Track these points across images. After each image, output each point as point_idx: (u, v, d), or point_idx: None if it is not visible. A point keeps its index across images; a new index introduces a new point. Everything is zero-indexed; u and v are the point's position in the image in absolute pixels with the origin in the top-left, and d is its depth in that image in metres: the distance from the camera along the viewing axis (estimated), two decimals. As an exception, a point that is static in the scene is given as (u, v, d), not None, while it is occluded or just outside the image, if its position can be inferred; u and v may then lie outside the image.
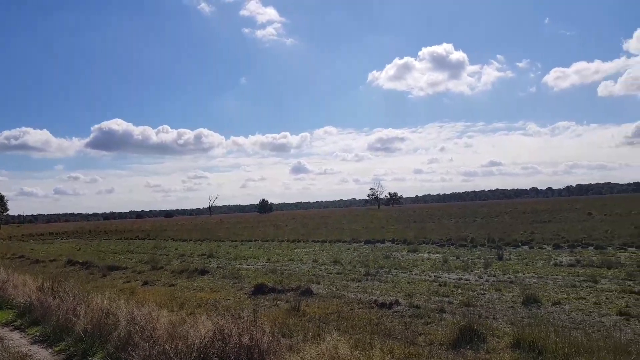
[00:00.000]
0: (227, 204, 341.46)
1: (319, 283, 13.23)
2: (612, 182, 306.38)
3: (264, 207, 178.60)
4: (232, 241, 33.04)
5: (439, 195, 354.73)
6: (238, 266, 18.32)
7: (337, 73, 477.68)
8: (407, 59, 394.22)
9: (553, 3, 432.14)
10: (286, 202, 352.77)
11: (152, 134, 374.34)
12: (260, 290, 12.37)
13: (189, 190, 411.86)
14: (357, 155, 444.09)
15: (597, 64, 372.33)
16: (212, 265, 18.92)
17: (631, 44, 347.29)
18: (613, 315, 8.49)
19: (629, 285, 10.83)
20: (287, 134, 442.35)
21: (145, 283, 15.10)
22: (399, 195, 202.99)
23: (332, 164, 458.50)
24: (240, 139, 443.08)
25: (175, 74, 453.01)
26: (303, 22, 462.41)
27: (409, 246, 22.79)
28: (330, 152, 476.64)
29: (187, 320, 6.62)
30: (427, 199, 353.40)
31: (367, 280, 13.51)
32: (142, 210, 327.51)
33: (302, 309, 9.74)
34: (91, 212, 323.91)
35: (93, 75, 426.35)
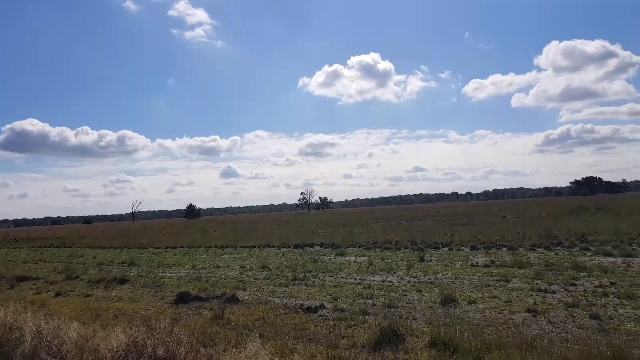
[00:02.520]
0: (152, 210, 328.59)
1: (245, 289, 13.02)
2: (525, 186, 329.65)
3: (191, 212, 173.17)
4: (156, 248, 31.76)
5: (367, 199, 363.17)
6: (161, 274, 17.61)
7: (268, 77, 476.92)
8: (336, 66, 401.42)
9: (473, 18, 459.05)
10: (215, 207, 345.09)
11: (71, 135, 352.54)
12: (183, 298, 11.94)
13: (111, 195, 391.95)
14: (288, 160, 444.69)
15: (511, 77, 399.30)
16: (132, 273, 18.04)
17: (541, 60, 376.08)
18: (522, 312, 9.05)
19: (537, 284, 11.62)
20: (217, 137, 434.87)
21: (58, 294, 14.10)
22: (329, 199, 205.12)
23: (263, 168, 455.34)
24: (167, 142, 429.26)
25: (97, 73, 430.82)
26: (234, 26, 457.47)
27: (336, 250, 23.05)
28: (261, 156, 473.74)
29: (100, 332, 6.22)
30: (356, 203, 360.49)
31: (294, 284, 13.48)
32: (59, 217, 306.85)
33: (226, 316, 9.51)
34: (1, 219, 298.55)
35: (5, 72, 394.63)
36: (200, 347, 6.03)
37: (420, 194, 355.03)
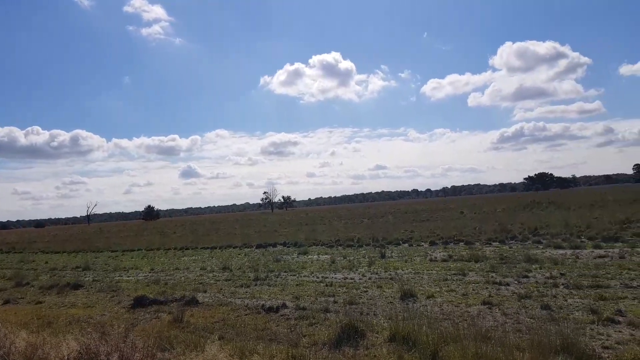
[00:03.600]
0: (108, 212, 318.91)
1: (205, 291, 12.82)
2: (481, 183, 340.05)
3: (149, 213, 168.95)
4: (113, 251, 30.81)
5: (330, 197, 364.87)
6: (117, 278, 17.11)
7: (228, 76, 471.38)
8: (298, 65, 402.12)
9: (431, 20, 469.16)
10: (175, 208, 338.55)
11: (20, 136, 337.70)
12: (140, 302, 11.63)
13: (64, 197, 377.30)
14: (251, 159, 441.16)
15: (467, 77, 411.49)
16: (87, 278, 17.44)
17: (496, 60, 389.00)
18: (478, 305, 9.32)
19: (492, 277, 11.99)
20: (176, 136, 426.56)
21: (6, 302, 13.45)
22: (292, 198, 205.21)
23: (225, 167, 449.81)
24: (124, 142, 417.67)
25: (49, 70, 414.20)
26: (193, 23, 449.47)
27: (299, 248, 23.04)
28: (223, 155, 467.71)
29: (50, 341, 5.99)
30: (319, 201, 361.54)
31: (256, 285, 13.39)
32: (8, 221, 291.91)
33: (185, 319, 9.34)
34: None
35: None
36: (157, 351, 5.90)
37: (382, 191, 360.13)
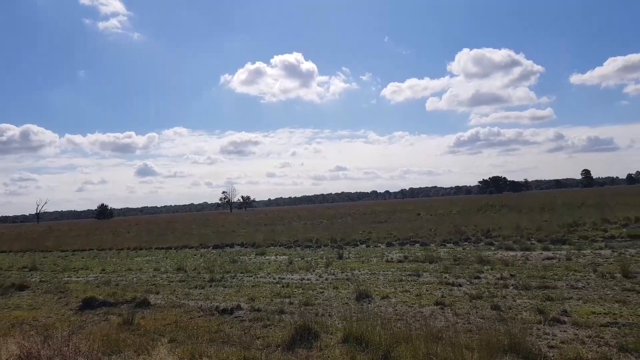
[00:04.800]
0: (59, 210, 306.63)
1: (158, 293, 12.49)
2: (438, 185, 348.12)
3: (103, 212, 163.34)
4: (62, 251, 29.59)
5: (290, 198, 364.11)
6: (66, 279, 16.44)
7: (187, 73, 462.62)
8: (259, 64, 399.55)
9: (392, 24, 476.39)
10: (130, 207, 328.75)
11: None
12: (89, 304, 11.20)
13: (12, 194, 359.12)
14: (210, 158, 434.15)
15: (426, 81, 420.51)
16: (34, 279, 16.68)
17: (454, 66, 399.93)
18: (431, 305, 9.49)
19: (445, 278, 12.25)
20: (132, 133, 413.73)
21: (-59, 305, 12.64)
22: (252, 198, 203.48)
23: (183, 166, 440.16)
24: (77, 138, 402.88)
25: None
26: (152, 18, 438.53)
27: (257, 249, 22.83)
28: (181, 154, 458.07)
29: (-14, 346, 5.65)
30: (279, 202, 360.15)
31: (210, 286, 13.15)
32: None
33: (136, 322, 9.05)
34: None
35: None
36: (102, 355, 5.67)
37: (342, 192, 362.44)
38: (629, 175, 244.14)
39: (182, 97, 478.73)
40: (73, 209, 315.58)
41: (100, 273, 17.71)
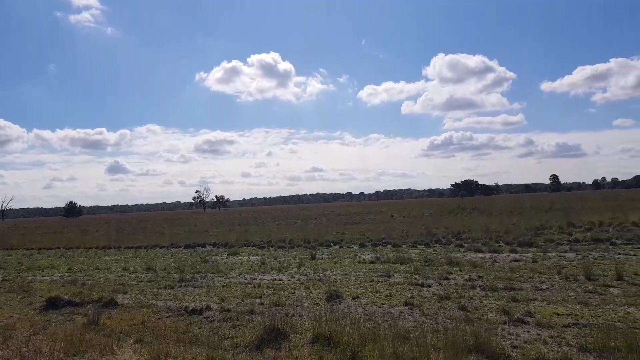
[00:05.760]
0: (26, 207, 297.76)
1: (126, 293, 12.26)
2: (412, 188, 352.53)
3: (71, 210, 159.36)
4: (28, 249, 28.76)
5: (265, 198, 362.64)
6: (30, 278, 15.99)
7: (162, 69, 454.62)
8: (235, 62, 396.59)
9: (369, 26, 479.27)
10: (100, 205, 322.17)
11: None
12: (54, 304, 10.90)
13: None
14: (184, 157, 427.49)
15: (402, 85, 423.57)
16: (-5, 278, 16.14)
17: (429, 70, 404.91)
18: (400, 305, 9.59)
19: (415, 279, 12.40)
20: (104, 130, 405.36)
21: None
22: (226, 198, 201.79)
23: (155, 164, 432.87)
24: (46, 133, 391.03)
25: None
26: (126, 12, 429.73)
27: (230, 249, 22.66)
28: (154, 151, 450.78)
29: (-59, 347, 5.45)
30: (254, 202, 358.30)
31: (180, 286, 12.98)
32: None
33: (102, 322, 8.85)
34: None
35: None
36: (64, 356, 5.54)
37: (318, 193, 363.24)
38: (595, 181, 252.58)
39: (155, 94, 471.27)
40: (40, 207, 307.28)
41: (67, 272, 17.29)
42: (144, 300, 11.23)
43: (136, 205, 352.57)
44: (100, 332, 8.16)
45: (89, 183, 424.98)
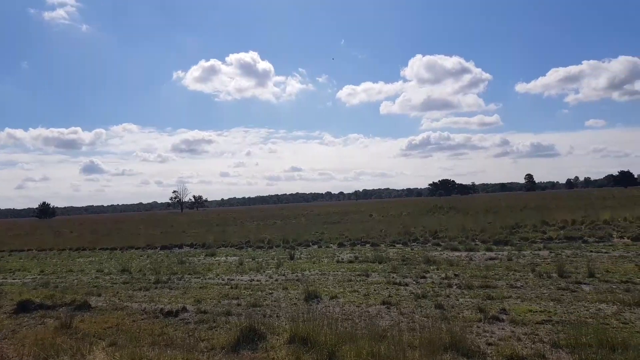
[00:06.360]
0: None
1: (100, 295, 12.02)
2: (391, 187, 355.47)
3: (44, 211, 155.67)
4: (-2, 252, 27.98)
5: (244, 198, 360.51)
6: (1, 281, 15.55)
7: (138, 68, 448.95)
8: (214, 61, 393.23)
9: (348, 27, 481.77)
10: (75, 205, 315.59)
11: None
12: (24, 307, 10.61)
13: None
14: (161, 156, 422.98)
15: (380, 85, 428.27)
16: (-37, 281, 15.64)
17: (407, 71, 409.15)
18: (378, 305, 9.63)
19: (393, 277, 12.47)
20: (78, 129, 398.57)
21: None
22: (204, 198, 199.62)
23: (132, 164, 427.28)
24: (18, 132, 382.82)
25: None
26: (102, 9, 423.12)
27: (207, 250, 22.42)
28: (130, 151, 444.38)
29: None
30: (233, 202, 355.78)
31: (156, 288, 12.79)
32: None
33: (75, 325, 8.66)
34: None
35: None
36: (33, 361, 5.39)
37: (297, 193, 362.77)
38: (568, 180, 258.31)
39: (132, 93, 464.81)
40: (12, 207, 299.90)
41: (39, 274, 16.87)
42: (119, 302, 11.02)
43: (112, 206, 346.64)
44: (73, 336, 7.97)
45: (63, 183, 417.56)
